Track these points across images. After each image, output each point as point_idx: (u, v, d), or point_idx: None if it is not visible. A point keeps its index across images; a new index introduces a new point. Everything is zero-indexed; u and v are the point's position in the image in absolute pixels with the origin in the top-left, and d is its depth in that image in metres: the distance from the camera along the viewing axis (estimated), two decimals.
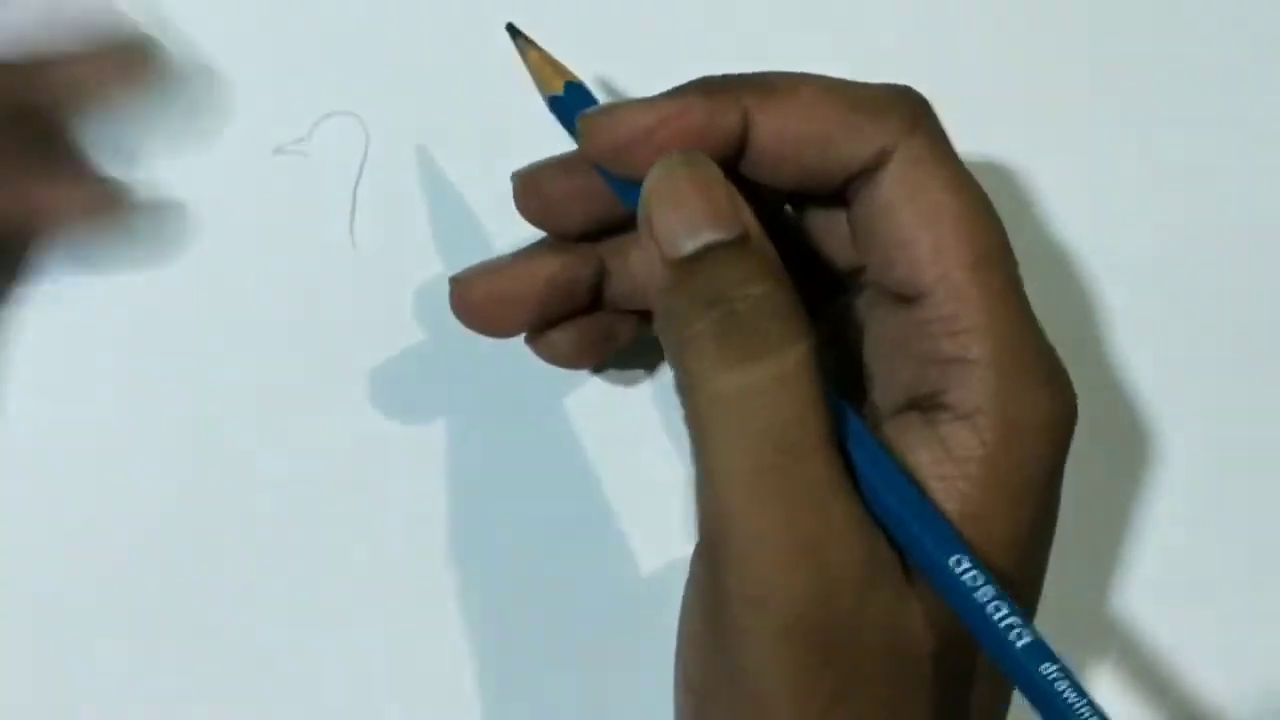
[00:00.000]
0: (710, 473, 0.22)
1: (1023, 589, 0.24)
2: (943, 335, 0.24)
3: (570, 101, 0.26)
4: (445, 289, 0.29)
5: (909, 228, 0.24)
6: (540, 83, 0.27)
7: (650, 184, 0.24)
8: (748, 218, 0.23)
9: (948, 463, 0.23)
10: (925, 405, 0.24)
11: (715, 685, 0.23)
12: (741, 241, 0.23)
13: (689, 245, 0.23)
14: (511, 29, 0.28)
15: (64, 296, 0.32)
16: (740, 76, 0.25)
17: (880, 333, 0.26)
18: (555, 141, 0.28)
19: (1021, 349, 0.24)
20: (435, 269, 0.33)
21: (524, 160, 0.29)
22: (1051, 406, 0.24)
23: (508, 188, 0.29)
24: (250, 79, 0.33)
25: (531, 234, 0.29)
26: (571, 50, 0.28)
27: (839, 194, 0.25)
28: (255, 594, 0.32)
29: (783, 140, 0.24)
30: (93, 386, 0.32)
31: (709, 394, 0.22)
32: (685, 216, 0.23)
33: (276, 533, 0.32)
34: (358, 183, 0.33)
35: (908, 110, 0.24)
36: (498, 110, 0.33)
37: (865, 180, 0.24)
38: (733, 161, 0.25)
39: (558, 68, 0.27)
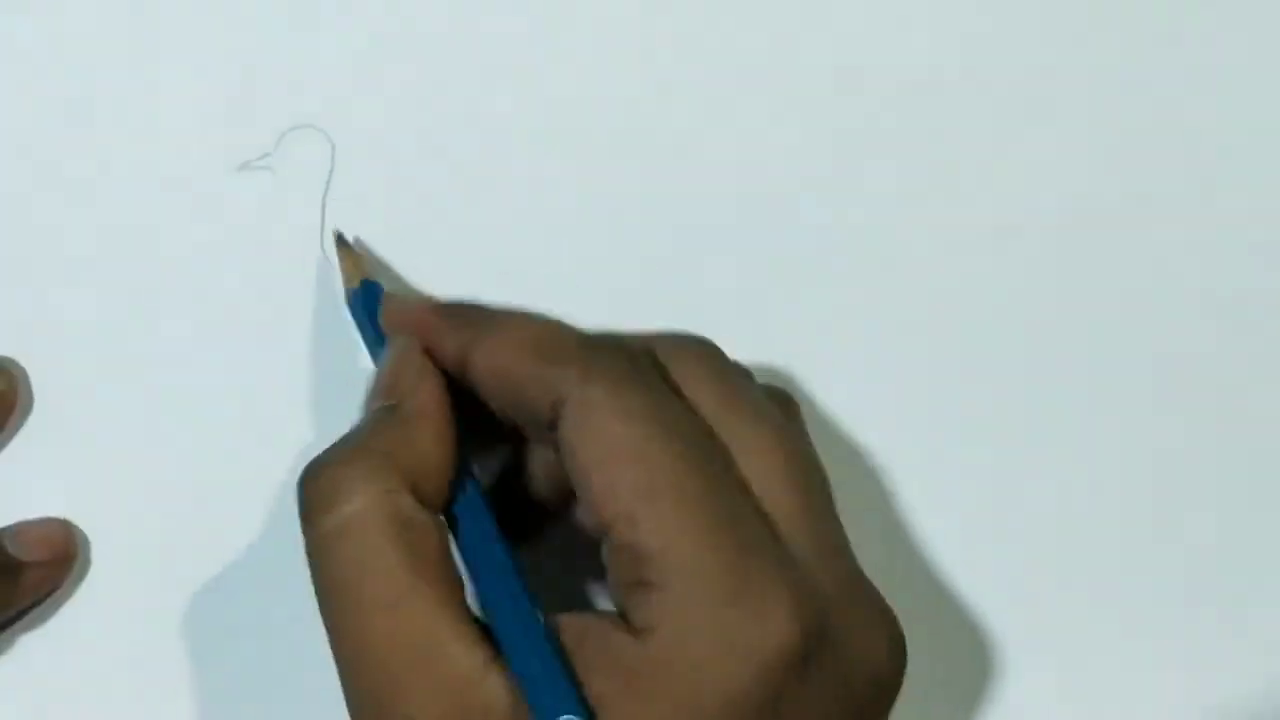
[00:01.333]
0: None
1: None
2: (626, 561, 0.24)
3: (366, 295, 0.31)
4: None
5: (582, 469, 0.24)
6: (345, 276, 0.32)
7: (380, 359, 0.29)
8: (415, 394, 0.27)
9: (607, 657, 0.23)
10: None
11: None
12: (392, 408, 0.27)
13: (369, 405, 0.28)
14: (339, 237, 0.32)
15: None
16: (473, 309, 0.28)
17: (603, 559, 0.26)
18: (511, 145, 0.30)
19: (708, 571, 0.23)
20: (408, 276, 0.33)
21: (487, 161, 0.32)
22: (748, 630, 0.23)
23: (476, 192, 0.30)
24: (212, 95, 0.33)
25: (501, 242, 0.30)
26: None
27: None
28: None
29: (489, 377, 0.26)
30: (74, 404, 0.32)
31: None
32: (377, 384, 0.28)
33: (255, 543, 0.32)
34: (325, 194, 0.33)
35: (586, 357, 0.25)
36: (462, 117, 0.34)
37: (555, 425, 0.25)
38: (464, 379, 0.27)
39: (362, 266, 0.32)
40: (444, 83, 0.34)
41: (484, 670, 0.23)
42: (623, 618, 0.24)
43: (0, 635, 0.31)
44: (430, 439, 0.26)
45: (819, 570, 0.24)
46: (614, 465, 0.24)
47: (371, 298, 0.30)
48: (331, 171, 0.33)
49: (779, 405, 0.27)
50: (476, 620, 0.24)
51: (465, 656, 0.23)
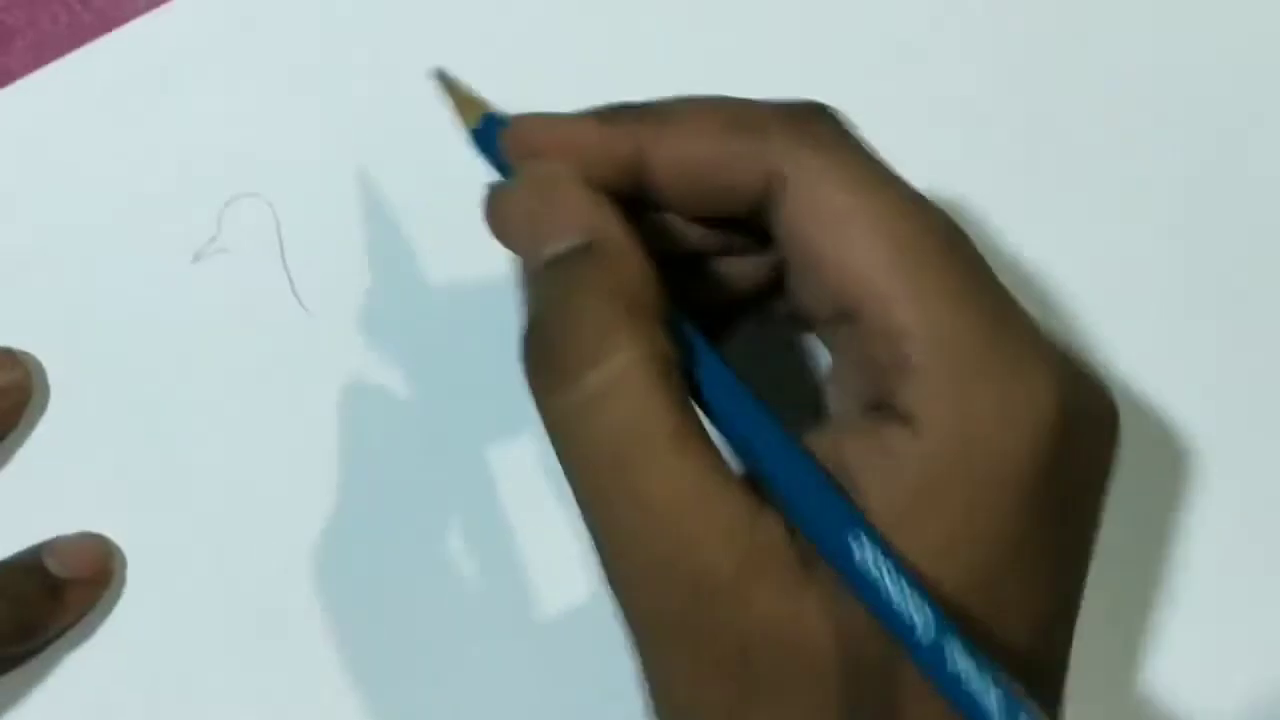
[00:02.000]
0: (573, 492, 0.22)
1: (979, 606, 0.21)
2: (880, 344, 0.22)
3: (489, 131, 0.26)
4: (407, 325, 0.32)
5: (816, 246, 0.22)
6: (462, 119, 0.27)
7: (497, 198, 0.24)
8: (606, 224, 0.23)
9: (880, 462, 0.21)
10: (874, 411, 0.22)
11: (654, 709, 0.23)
12: (584, 250, 0.23)
13: (541, 255, 0.23)
14: (440, 74, 0.28)
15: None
16: (637, 106, 0.24)
17: (831, 348, 0.25)
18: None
19: (968, 344, 0.22)
20: (387, 307, 0.34)
21: (426, 192, 0.32)
22: (1018, 400, 0.21)
23: (427, 213, 0.31)
24: (144, 200, 0.34)
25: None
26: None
27: (757, 220, 0.24)
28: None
29: (676, 171, 0.23)
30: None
31: (544, 421, 0.22)
32: (539, 224, 0.23)
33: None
34: (283, 254, 0.34)
35: (792, 126, 0.23)
36: (390, 150, 0.35)
37: (769, 205, 0.23)
38: (635, 188, 0.24)
39: (477, 104, 0.27)
40: (362, 123, 0.35)
41: (760, 509, 0.21)
42: (875, 410, 0.22)
43: (42, 655, 0.32)
44: (641, 263, 0.23)
45: (1046, 337, 0.23)
46: (856, 240, 0.22)
47: (495, 133, 0.26)
48: (279, 229, 0.34)
49: None
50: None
51: (744, 498, 0.21)
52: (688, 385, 0.22)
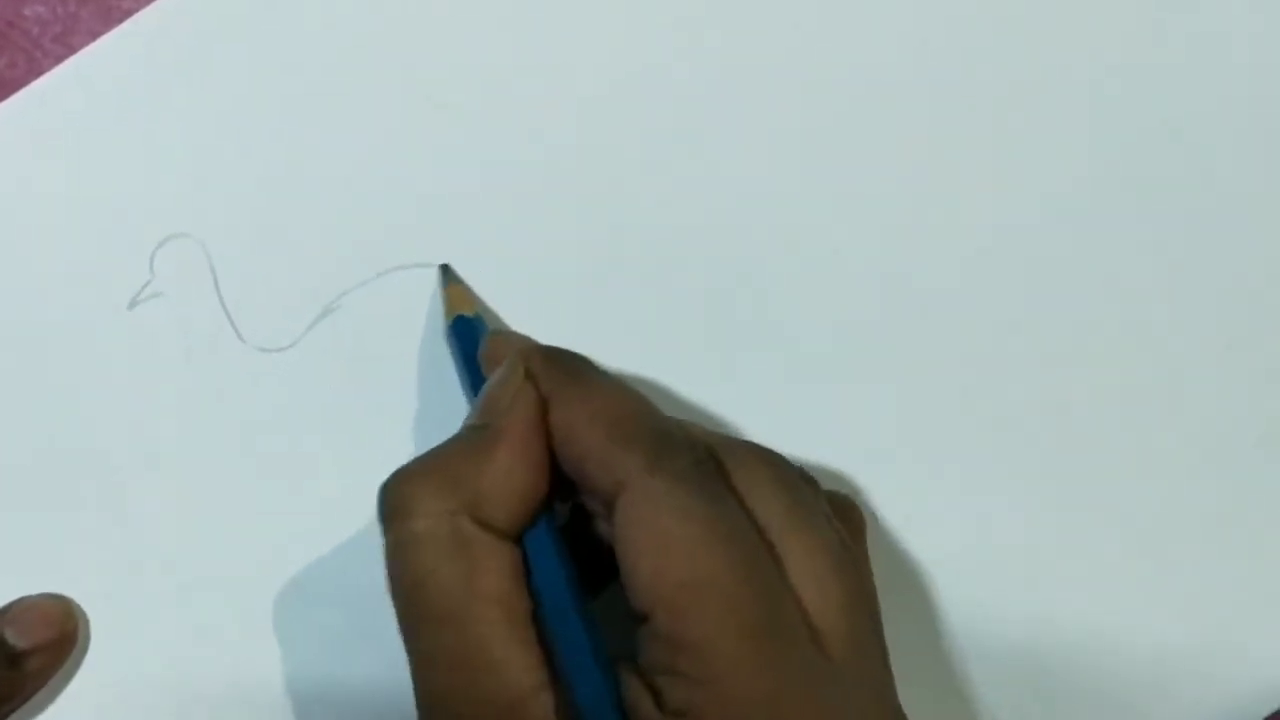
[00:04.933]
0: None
1: None
2: (663, 651, 0.24)
3: (462, 329, 0.31)
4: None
5: (632, 555, 0.25)
6: (447, 310, 0.32)
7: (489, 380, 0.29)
8: (505, 416, 0.27)
9: None
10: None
11: None
12: (480, 428, 0.27)
13: (469, 420, 0.28)
14: (446, 271, 0.33)
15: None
16: (572, 363, 0.28)
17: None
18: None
19: (745, 676, 0.23)
20: (329, 338, 0.33)
21: (356, 219, 0.32)
22: None
23: (360, 240, 0.31)
24: (74, 250, 0.34)
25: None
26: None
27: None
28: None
29: (560, 438, 0.27)
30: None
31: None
32: (476, 405, 0.28)
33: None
34: (219, 291, 0.33)
35: (652, 449, 0.26)
36: (319, 180, 0.34)
37: (612, 505, 0.26)
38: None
39: (464, 300, 0.32)
40: (281, 152, 0.34)
41: (534, 692, 0.24)
42: (654, 693, 0.24)
43: None
44: (508, 463, 0.26)
45: (858, 698, 0.24)
46: (663, 557, 0.24)
47: (468, 332, 0.31)
48: (212, 266, 0.34)
49: (843, 516, 0.28)
50: (541, 644, 0.25)
51: (518, 675, 0.24)
52: (517, 563, 0.26)
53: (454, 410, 0.32)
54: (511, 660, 0.24)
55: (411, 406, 0.33)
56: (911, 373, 0.33)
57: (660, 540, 0.25)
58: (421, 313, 0.33)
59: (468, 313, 0.31)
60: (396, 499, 0.26)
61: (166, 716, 0.32)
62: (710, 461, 0.26)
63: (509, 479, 0.26)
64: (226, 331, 0.33)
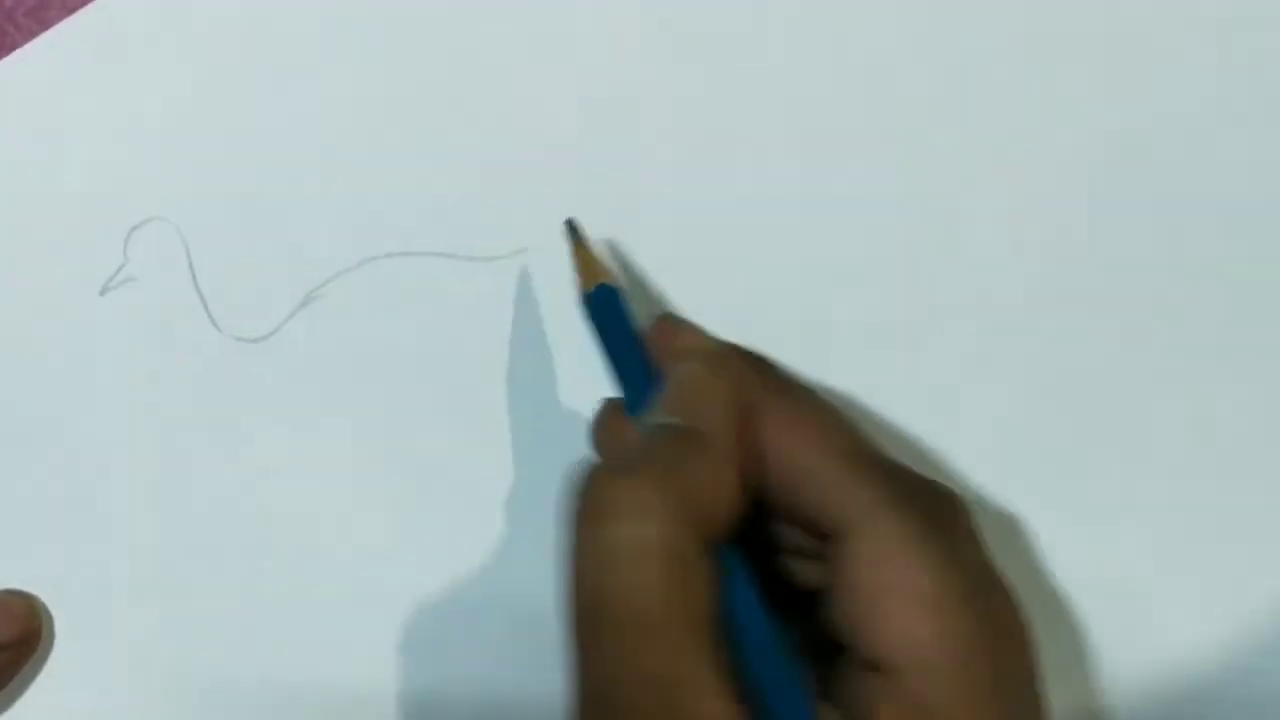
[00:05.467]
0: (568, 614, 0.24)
1: None
2: (890, 698, 0.23)
3: (600, 298, 0.28)
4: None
5: (867, 600, 0.23)
6: (581, 277, 0.29)
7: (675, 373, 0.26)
8: (710, 419, 0.25)
9: None
10: None
11: None
12: (683, 428, 0.24)
13: (657, 416, 0.25)
14: (570, 225, 0.30)
15: None
16: (779, 371, 0.27)
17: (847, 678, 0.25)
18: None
19: None
20: (305, 324, 0.32)
21: (334, 202, 0.31)
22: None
23: (338, 223, 0.29)
24: (45, 233, 0.33)
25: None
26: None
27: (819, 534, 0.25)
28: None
29: (778, 453, 0.25)
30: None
31: (567, 546, 0.24)
32: (667, 401, 0.25)
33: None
34: (194, 276, 0.32)
35: (889, 484, 0.24)
36: (296, 162, 0.32)
37: (837, 538, 0.24)
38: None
39: (598, 268, 0.29)
40: (256, 137, 0.33)
41: (730, 718, 0.22)
42: None
43: None
44: (723, 470, 0.24)
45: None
46: (909, 610, 0.23)
47: (610, 301, 0.28)
48: (188, 252, 0.32)
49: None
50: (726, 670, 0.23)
51: (710, 702, 0.22)
52: (715, 584, 0.23)
53: (440, 402, 0.31)
54: (707, 685, 0.22)
55: (394, 398, 0.32)
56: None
57: (904, 591, 0.23)
58: (405, 302, 0.32)
59: (608, 281, 0.28)
60: (614, 496, 0.23)
61: (131, 714, 0.31)
62: (947, 503, 0.25)
63: (721, 488, 0.24)
64: (202, 320, 0.32)
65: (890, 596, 0.23)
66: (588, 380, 0.30)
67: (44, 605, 0.31)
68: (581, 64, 0.32)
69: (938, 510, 0.24)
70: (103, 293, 0.32)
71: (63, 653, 0.31)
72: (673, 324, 0.28)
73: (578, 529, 0.23)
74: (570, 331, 0.31)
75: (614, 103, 0.32)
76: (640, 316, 0.28)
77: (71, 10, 0.33)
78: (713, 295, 0.31)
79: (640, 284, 0.31)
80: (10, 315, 0.32)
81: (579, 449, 0.29)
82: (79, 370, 0.32)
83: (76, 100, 0.33)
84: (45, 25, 0.33)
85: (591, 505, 0.23)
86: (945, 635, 0.23)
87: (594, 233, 0.30)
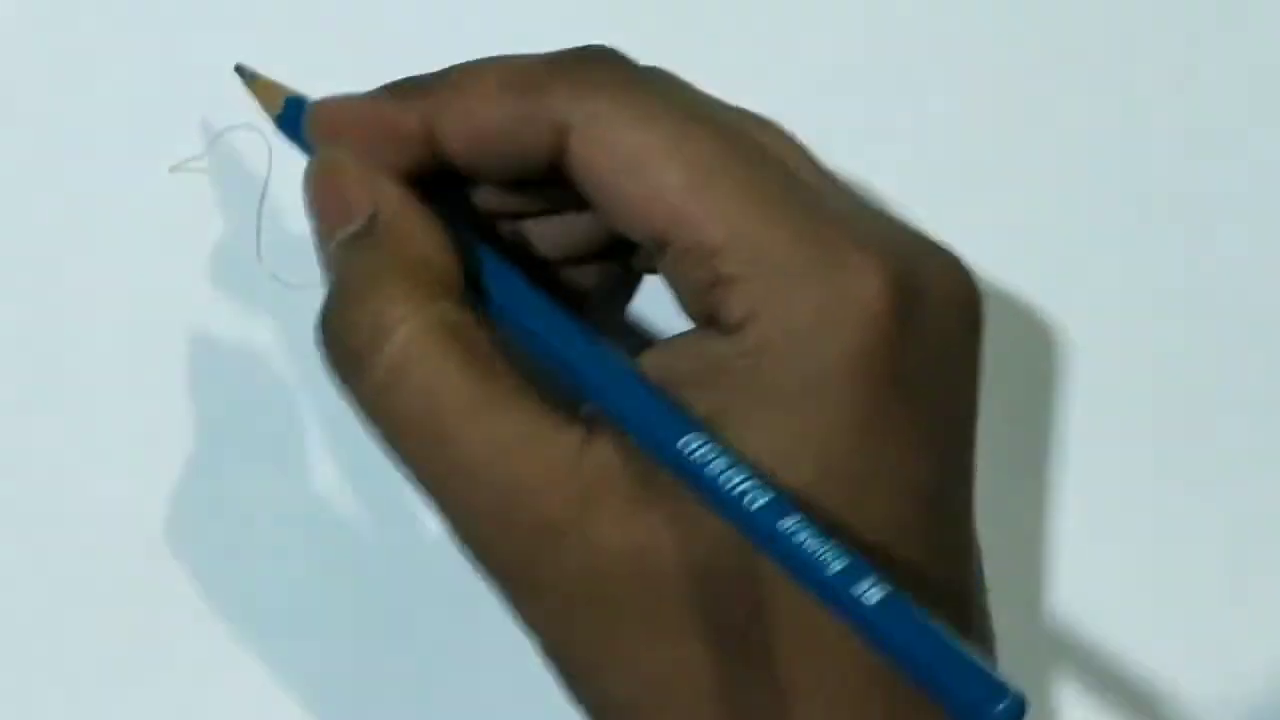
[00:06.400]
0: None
1: (838, 494, 0.21)
2: (695, 265, 0.22)
3: (292, 114, 0.26)
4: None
5: (612, 188, 0.22)
6: (264, 106, 0.27)
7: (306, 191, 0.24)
8: (382, 201, 0.23)
9: (707, 372, 0.22)
10: (700, 330, 0.23)
11: None
12: (365, 232, 0.23)
13: (331, 243, 0.24)
14: (240, 69, 0.28)
15: None
16: (427, 78, 0.24)
17: (668, 284, 0.24)
18: None
19: (781, 247, 0.22)
20: None
21: None
22: (840, 291, 0.21)
23: None
24: (145, 94, 0.32)
25: None
26: None
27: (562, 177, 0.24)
28: None
29: (465, 141, 0.23)
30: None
31: (353, 410, 0.23)
32: (324, 214, 0.24)
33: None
34: (263, 198, 0.31)
35: (572, 76, 0.23)
36: None
37: (564, 158, 0.23)
38: (434, 161, 0.24)
39: (278, 89, 0.27)
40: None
41: (587, 440, 0.22)
42: (707, 326, 0.22)
43: None
44: (425, 233, 0.23)
45: (876, 225, 0.23)
46: (648, 172, 0.22)
47: (299, 116, 0.26)
48: (269, 173, 0.31)
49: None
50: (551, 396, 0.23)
51: (566, 435, 0.22)
52: (493, 332, 0.23)
53: None
54: (549, 419, 0.22)
55: None
56: None
57: (635, 157, 0.22)
58: None
59: (292, 95, 0.27)
60: (362, 324, 0.22)
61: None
62: (619, 61, 0.24)
63: (437, 244, 0.23)
64: (249, 242, 0.31)
65: (623, 171, 0.22)
66: None
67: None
68: None
69: (635, 66, 0.23)
70: (172, 170, 0.31)
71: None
72: (319, 109, 0.25)
73: (351, 378, 0.22)
74: None
75: None
76: None
77: None
78: None
79: None
80: (79, 175, 0.32)
81: None
82: (126, 237, 0.32)
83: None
84: None
85: (349, 346, 0.22)
86: (692, 174, 0.22)
87: None
